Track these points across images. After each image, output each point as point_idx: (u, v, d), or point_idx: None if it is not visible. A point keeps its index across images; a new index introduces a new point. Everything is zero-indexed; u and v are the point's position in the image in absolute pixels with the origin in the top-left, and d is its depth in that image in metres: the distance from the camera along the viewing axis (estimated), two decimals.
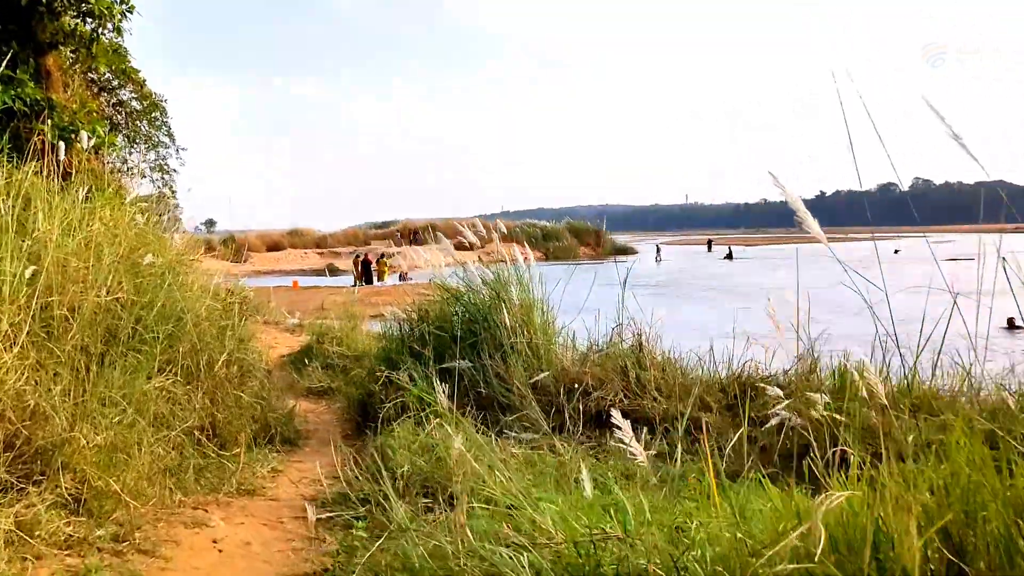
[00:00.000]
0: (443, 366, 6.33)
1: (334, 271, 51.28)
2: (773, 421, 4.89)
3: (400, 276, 36.22)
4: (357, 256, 39.38)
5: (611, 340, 6.52)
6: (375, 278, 35.77)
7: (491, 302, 6.62)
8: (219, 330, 5.97)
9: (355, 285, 34.74)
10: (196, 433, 5.12)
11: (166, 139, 20.88)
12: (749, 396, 5.87)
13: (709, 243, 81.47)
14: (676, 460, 4.65)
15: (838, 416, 4.92)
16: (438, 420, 5.60)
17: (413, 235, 56.38)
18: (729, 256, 63.00)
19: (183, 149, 21.54)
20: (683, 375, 6.26)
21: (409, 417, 5.72)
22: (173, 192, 19.15)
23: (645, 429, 5.58)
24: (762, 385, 5.49)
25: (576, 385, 6.09)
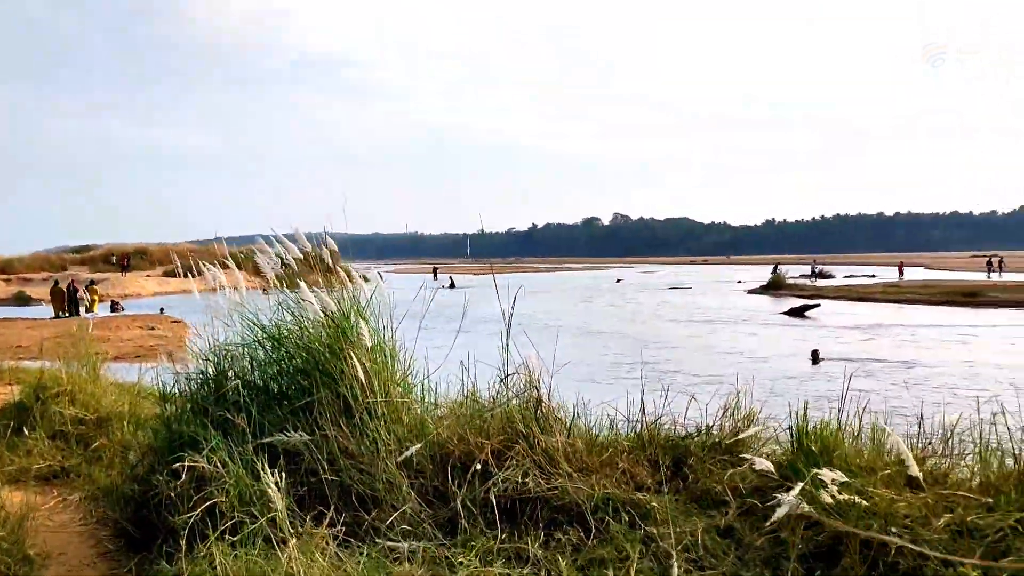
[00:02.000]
0: (266, 441, 4.35)
1: (25, 300, 44.26)
2: (780, 512, 3.57)
3: (112, 306, 31.71)
4: (57, 283, 33.82)
5: (497, 394, 4.87)
6: (83, 308, 30.85)
7: (331, 343, 4.71)
8: None
9: (58, 316, 29.75)
10: None
11: None
12: (691, 465, 4.53)
13: (435, 271, 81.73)
14: None
15: (860, 499, 3.70)
16: (277, 533, 3.72)
17: (125, 261, 50.61)
18: (452, 285, 63.18)
19: None
20: (590, 438, 4.76)
21: (225, 529, 3.75)
22: None
23: (573, 524, 4.07)
24: (743, 455, 4.16)
25: (463, 461, 4.38)
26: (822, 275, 59.67)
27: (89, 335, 16.78)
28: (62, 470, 5.87)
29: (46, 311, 32.08)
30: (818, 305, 31.13)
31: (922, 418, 4.43)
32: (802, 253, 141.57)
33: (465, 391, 5.14)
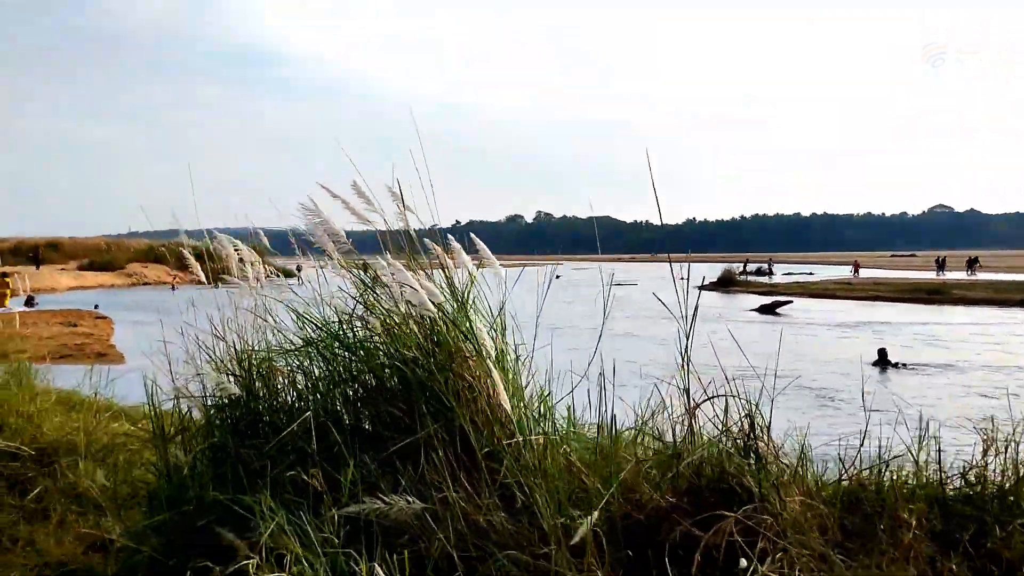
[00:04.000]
0: (350, 512, 2.65)
1: None
2: None
3: (27, 301, 28.75)
4: None
5: (684, 424, 3.24)
6: None
7: (437, 352, 3.01)
8: None
9: None
10: None
11: None
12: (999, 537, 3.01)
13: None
14: None
15: None
16: None
17: (36, 253, 47.09)
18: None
19: None
20: (835, 492, 3.19)
21: None
22: None
23: None
24: None
25: (657, 531, 2.78)
26: (761, 272, 59.57)
27: (2, 332, 14.42)
28: None
29: None
30: (790, 302, 30.19)
31: None
32: (724, 251, 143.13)
33: (596, 415, 3.52)
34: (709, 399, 3.21)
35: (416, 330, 3.04)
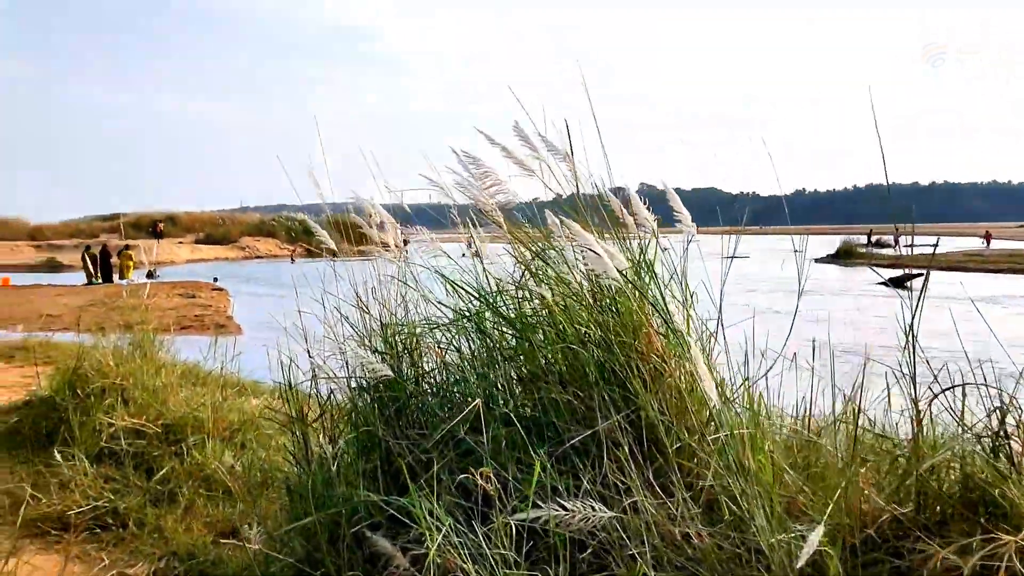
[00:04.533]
0: (521, 519, 2.18)
1: (56, 266, 42.57)
2: None
3: (148, 273, 29.78)
4: (88, 248, 31.86)
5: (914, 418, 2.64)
6: (116, 275, 28.94)
7: (621, 328, 2.51)
8: None
9: (90, 283, 27.91)
10: None
11: None
12: None
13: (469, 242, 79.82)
14: None
15: None
16: None
17: (158, 227, 48.98)
18: None
19: None
20: None
21: None
22: None
23: None
24: None
25: (896, 552, 2.21)
26: (881, 244, 56.70)
27: (127, 303, 14.72)
28: (114, 515, 3.74)
29: (77, 278, 30.24)
30: (922, 275, 28.29)
31: None
32: (834, 224, 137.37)
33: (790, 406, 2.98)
34: (952, 388, 2.60)
35: (592, 302, 2.55)
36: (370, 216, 3.28)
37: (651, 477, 2.38)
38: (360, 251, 3.46)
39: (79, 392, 4.77)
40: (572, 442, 2.37)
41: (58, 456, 4.03)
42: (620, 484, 2.35)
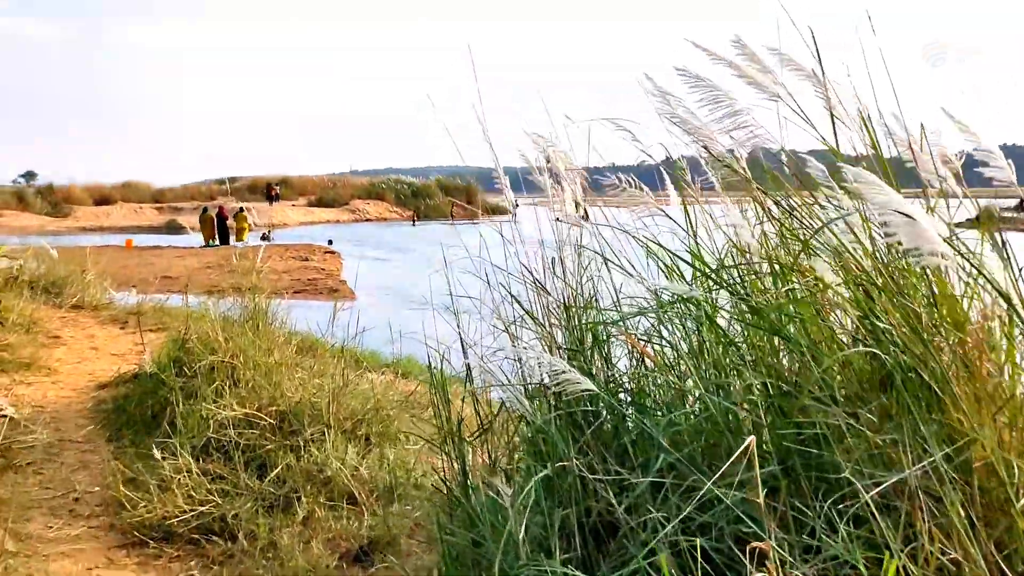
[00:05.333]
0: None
1: (177, 228, 43.84)
2: None
3: (263, 236, 30.08)
4: (206, 211, 32.40)
5: None
6: (232, 237, 29.36)
7: (944, 325, 1.67)
8: None
9: (207, 245, 28.39)
10: None
11: None
12: None
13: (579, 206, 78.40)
14: None
15: None
16: None
17: (274, 191, 49.87)
18: None
19: None
20: None
21: None
22: None
23: None
24: None
25: None
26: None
27: (241, 266, 14.50)
28: (222, 523, 3.16)
29: (196, 240, 30.87)
30: None
31: None
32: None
33: None
34: None
35: (895, 286, 1.72)
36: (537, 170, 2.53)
37: (994, 551, 1.57)
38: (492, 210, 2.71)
39: (185, 371, 4.24)
40: (872, 493, 1.57)
41: (157, 454, 3.47)
42: (947, 560, 1.55)
